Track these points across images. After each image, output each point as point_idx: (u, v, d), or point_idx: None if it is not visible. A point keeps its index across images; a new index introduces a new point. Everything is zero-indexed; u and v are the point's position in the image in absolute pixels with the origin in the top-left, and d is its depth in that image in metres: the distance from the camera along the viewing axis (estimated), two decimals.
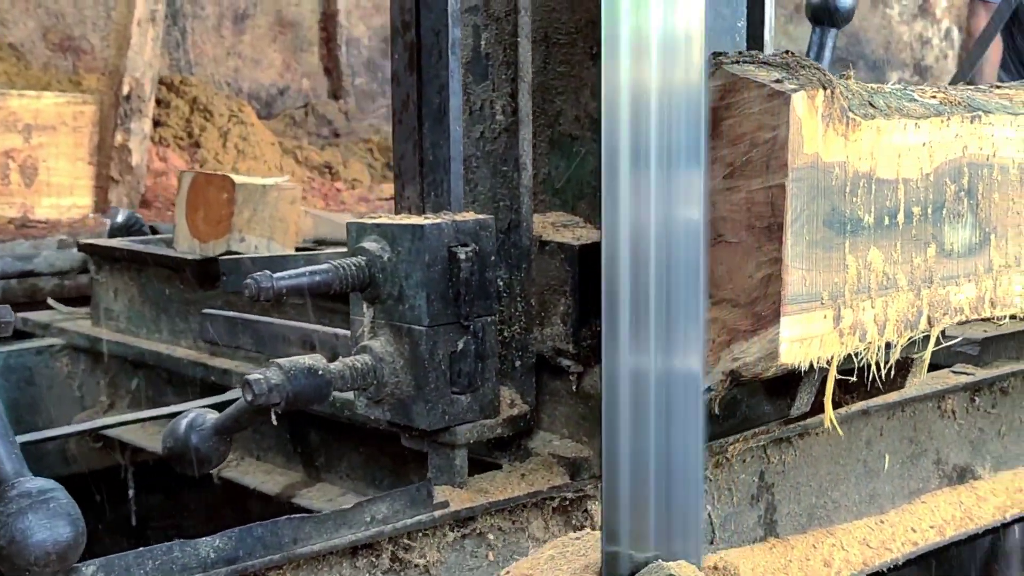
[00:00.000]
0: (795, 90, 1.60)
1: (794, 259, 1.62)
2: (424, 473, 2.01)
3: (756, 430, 2.03)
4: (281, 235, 3.18)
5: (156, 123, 9.33)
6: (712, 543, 2.22)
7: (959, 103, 1.82)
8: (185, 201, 3.23)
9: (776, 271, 1.61)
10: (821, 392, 1.90)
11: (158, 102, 9.46)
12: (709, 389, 1.69)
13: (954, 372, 2.60)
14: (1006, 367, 2.69)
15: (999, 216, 1.88)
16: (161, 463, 3.81)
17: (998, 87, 1.97)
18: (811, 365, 1.66)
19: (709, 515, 2.21)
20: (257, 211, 3.15)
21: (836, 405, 2.43)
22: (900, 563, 2.47)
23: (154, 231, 4.12)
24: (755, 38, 2.18)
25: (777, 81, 1.62)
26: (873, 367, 1.72)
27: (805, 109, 1.61)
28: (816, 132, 1.62)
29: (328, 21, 11.36)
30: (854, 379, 1.80)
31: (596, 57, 1.95)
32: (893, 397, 2.35)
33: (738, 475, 2.20)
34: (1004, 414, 2.77)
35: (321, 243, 3.49)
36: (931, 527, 2.56)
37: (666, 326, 1.51)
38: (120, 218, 3.94)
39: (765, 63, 1.65)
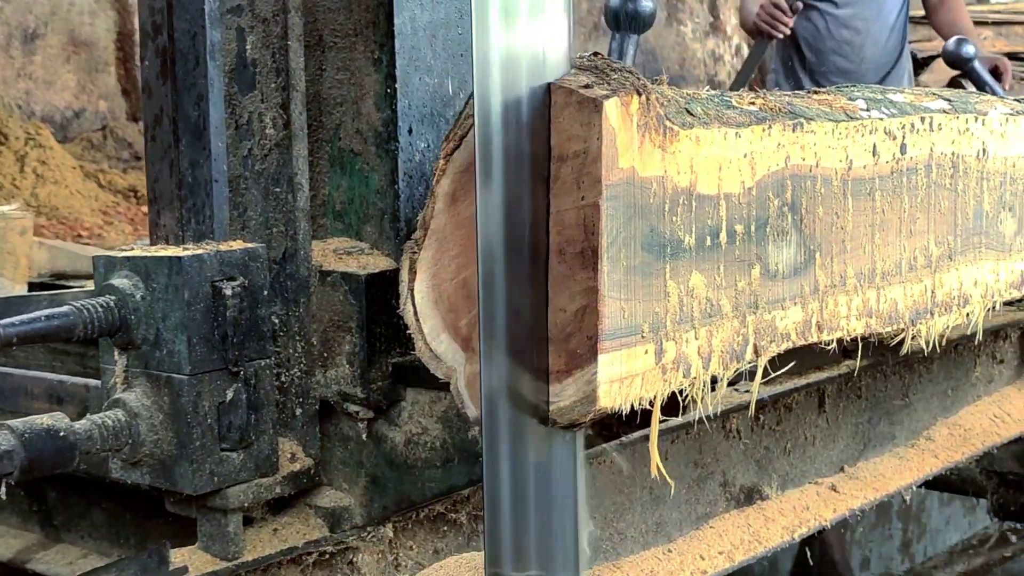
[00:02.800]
0: (607, 96, 1.31)
1: (611, 288, 1.32)
2: (178, 530, 1.67)
3: None
4: (11, 269, 2.72)
5: None
6: None
7: (780, 109, 1.56)
8: None
9: (592, 302, 1.31)
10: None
11: None
12: None
13: (737, 390, 2.37)
14: (789, 383, 2.49)
15: (824, 232, 1.63)
16: None
17: (816, 92, 1.72)
18: (632, 408, 1.37)
19: None
20: None
21: (615, 436, 2.19)
22: None
23: None
24: None
25: (586, 86, 1.32)
26: (699, 403, 1.45)
27: (619, 117, 1.31)
28: (632, 143, 1.34)
29: (125, 41, 10.66)
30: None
31: (378, 63, 1.63)
32: (676, 420, 2.11)
33: None
34: (789, 431, 2.57)
35: (60, 277, 3.02)
36: (720, 553, 2.34)
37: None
38: None
39: (572, 66, 1.36)
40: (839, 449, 2.80)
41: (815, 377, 2.64)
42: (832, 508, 2.64)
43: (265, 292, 1.56)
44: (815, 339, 1.62)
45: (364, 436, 1.67)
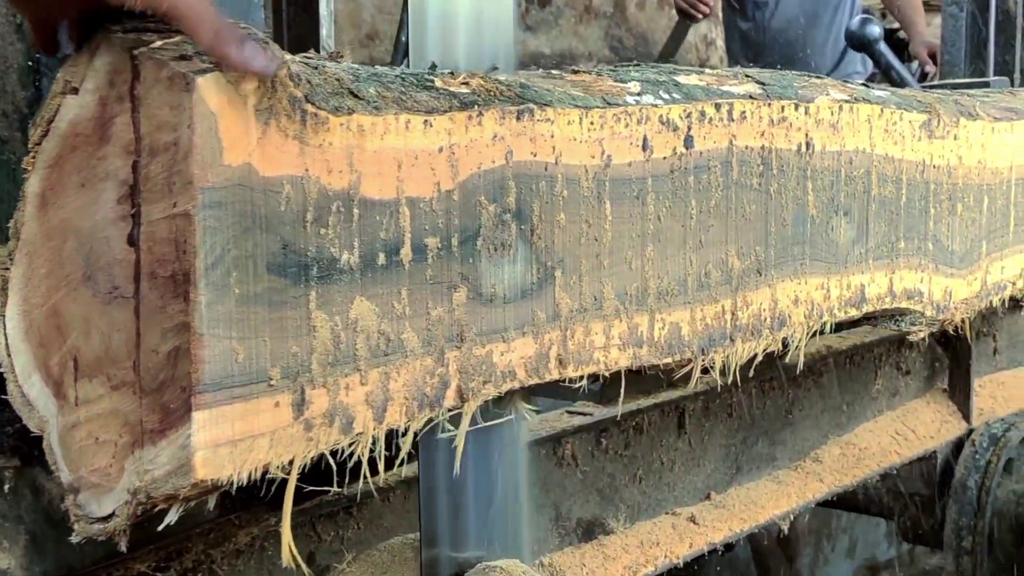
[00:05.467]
0: (204, 71, 0.98)
1: (214, 324, 0.99)
2: None
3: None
4: None
5: None
6: None
7: (502, 93, 1.23)
8: None
9: (185, 342, 0.99)
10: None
11: None
12: (113, 515, 1.06)
13: (570, 412, 2.05)
14: (635, 402, 2.16)
15: (569, 244, 1.30)
16: None
17: (577, 72, 1.39)
18: (251, 477, 1.04)
19: None
20: None
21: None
22: None
23: None
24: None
25: (182, 58, 0.99)
26: (364, 463, 1.12)
27: (223, 99, 0.98)
28: (247, 134, 1.01)
29: None
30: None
31: (20, 28, 1.30)
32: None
33: (273, 561, 1.58)
34: (641, 456, 2.24)
35: None
36: None
37: None
38: None
39: (176, 31, 1.03)
40: (705, 474, 2.48)
41: (670, 395, 2.32)
42: (688, 543, 2.32)
43: None
44: (556, 375, 1.29)
45: (16, 486, 1.35)
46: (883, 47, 2.88)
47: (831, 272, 1.65)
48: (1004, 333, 3.31)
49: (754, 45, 4.57)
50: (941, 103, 1.83)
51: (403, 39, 2.01)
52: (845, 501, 3.17)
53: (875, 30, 2.87)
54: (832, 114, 1.61)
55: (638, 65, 1.46)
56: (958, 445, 3.05)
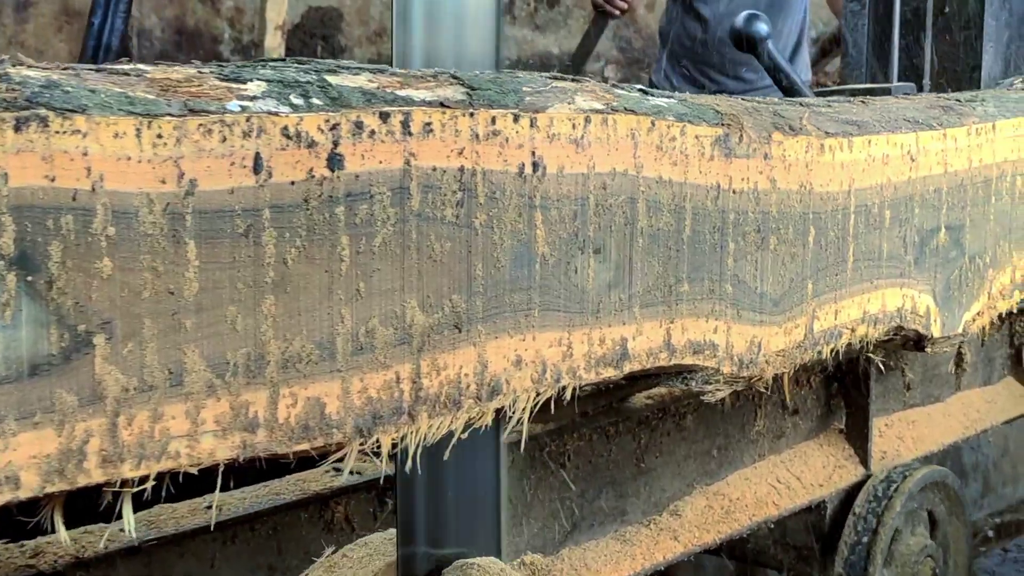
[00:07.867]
0: None
1: None
2: None
3: None
4: None
5: None
6: None
7: None
8: None
9: None
10: None
11: None
12: None
13: (337, 469, 1.71)
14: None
15: (120, 300, 0.94)
16: None
17: (164, 66, 1.02)
18: None
19: None
20: None
21: None
22: None
23: None
24: None
25: None
26: None
27: None
28: None
29: None
30: None
31: None
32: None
33: None
34: None
35: None
36: None
37: None
38: None
39: None
40: (530, 534, 2.12)
41: None
42: None
43: None
44: (100, 477, 0.93)
45: None
46: (770, 47, 2.51)
47: (574, 324, 1.28)
48: (917, 366, 2.93)
49: (700, 43, 4.19)
50: (749, 114, 1.46)
51: (93, 23, 1.65)
52: (732, 551, 2.80)
53: (762, 28, 2.50)
54: (574, 127, 1.25)
55: (284, 60, 1.10)
56: (852, 494, 2.67)
